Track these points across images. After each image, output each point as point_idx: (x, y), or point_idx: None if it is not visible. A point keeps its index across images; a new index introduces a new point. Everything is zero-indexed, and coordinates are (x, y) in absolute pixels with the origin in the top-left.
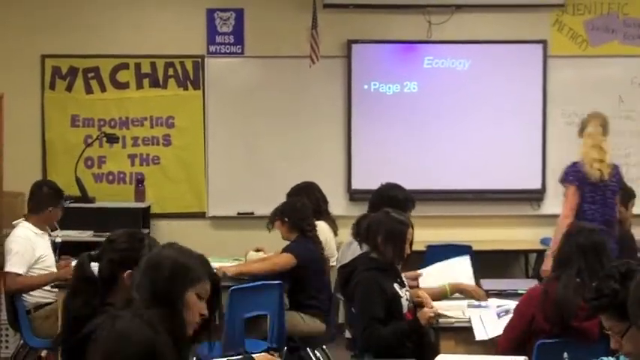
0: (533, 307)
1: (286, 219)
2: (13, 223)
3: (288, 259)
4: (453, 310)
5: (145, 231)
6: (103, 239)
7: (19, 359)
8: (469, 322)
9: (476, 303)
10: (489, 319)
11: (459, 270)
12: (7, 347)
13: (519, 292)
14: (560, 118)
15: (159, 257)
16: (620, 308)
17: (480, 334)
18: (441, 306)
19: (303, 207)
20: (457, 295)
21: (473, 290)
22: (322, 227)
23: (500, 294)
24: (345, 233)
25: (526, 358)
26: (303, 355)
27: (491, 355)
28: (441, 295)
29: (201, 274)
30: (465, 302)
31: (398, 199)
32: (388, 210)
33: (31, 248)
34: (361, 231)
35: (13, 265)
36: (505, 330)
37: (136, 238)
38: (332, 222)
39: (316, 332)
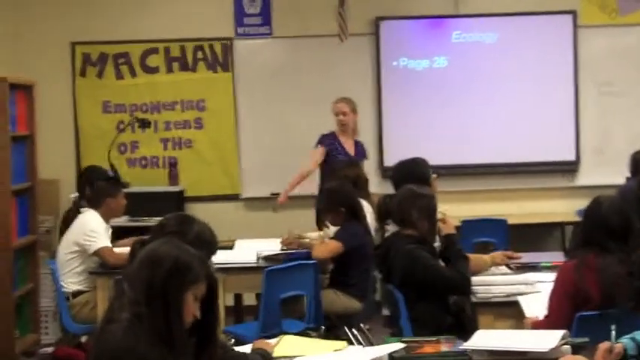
0: (574, 278)
1: (342, 209)
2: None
3: (337, 248)
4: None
5: None
6: (138, 224)
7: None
8: (507, 297)
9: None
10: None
11: None
12: (47, 334)
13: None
14: (592, 89)
15: (160, 252)
16: None
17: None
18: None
19: (352, 192)
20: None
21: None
22: (364, 205)
23: (536, 267)
24: None
25: (567, 331)
26: (340, 334)
27: (531, 330)
28: (481, 266)
29: (200, 274)
30: (509, 277)
31: (422, 172)
32: (412, 186)
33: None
34: (392, 210)
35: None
36: (549, 304)
37: (185, 221)
38: (371, 200)
39: (352, 310)
